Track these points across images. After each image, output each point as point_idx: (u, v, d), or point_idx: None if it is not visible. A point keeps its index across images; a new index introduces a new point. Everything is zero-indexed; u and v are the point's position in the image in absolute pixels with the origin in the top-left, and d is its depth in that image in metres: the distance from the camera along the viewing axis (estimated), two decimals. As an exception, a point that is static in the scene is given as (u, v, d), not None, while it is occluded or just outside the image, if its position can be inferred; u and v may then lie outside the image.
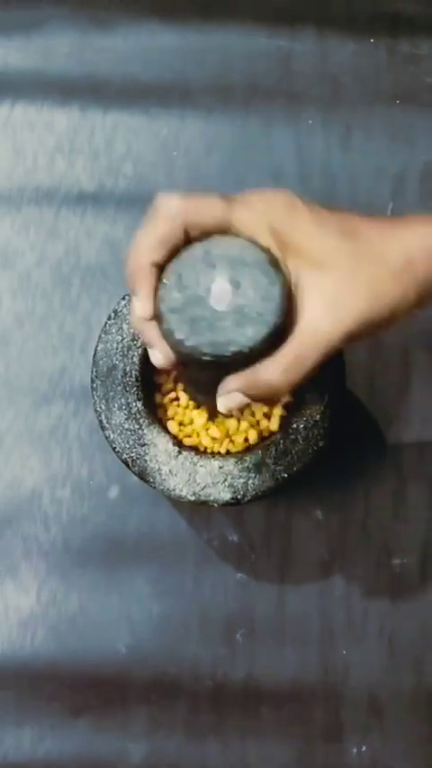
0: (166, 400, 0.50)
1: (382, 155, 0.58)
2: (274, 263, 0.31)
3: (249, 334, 0.30)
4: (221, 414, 0.44)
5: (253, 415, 0.49)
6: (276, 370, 0.32)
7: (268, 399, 0.34)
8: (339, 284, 0.31)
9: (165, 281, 0.32)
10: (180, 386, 0.50)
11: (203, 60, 0.60)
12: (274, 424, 0.49)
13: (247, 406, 0.42)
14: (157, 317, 0.33)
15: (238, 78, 0.59)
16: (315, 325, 0.31)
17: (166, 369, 0.36)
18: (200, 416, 0.49)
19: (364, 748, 0.51)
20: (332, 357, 0.33)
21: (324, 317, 0.31)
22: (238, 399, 0.34)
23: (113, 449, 0.47)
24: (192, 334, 0.31)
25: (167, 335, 0.32)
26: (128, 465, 0.47)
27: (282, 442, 0.47)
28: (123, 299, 0.49)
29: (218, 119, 0.59)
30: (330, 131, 0.58)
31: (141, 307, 0.33)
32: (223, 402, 0.34)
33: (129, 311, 0.48)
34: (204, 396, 0.43)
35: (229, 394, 0.34)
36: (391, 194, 0.57)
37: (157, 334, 0.33)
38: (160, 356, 0.34)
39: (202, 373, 0.35)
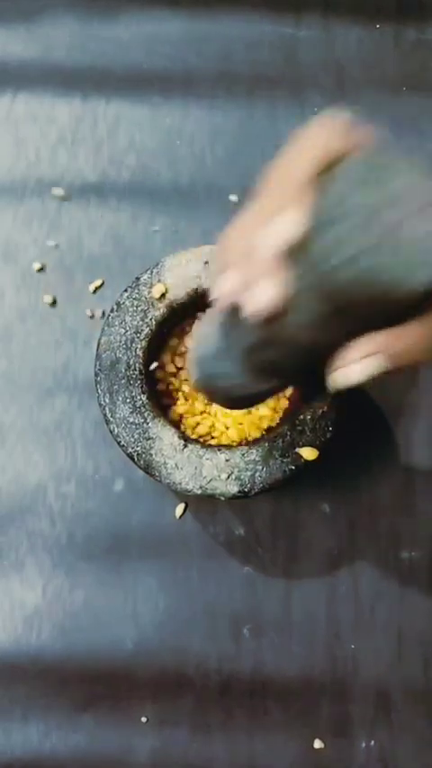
0: (170, 391, 0.50)
1: (388, 142, 0.57)
2: None
3: (423, 277, 0.25)
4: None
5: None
6: None
7: (404, 366, 0.29)
8: None
9: (313, 202, 0.27)
10: (179, 380, 0.49)
11: (207, 49, 0.59)
12: (276, 418, 0.49)
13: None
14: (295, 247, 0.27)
15: (242, 67, 0.59)
16: None
17: (264, 314, 0.29)
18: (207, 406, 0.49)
19: (372, 743, 0.51)
20: None
21: None
22: (378, 367, 0.28)
23: (118, 443, 0.47)
24: (342, 263, 0.25)
25: (324, 256, 0.26)
26: (133, 459, 0.46)
27: (289, 434, 0.46)
28: (126, 290, 0.48)
29: (222, 108, 0.58)
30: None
31: (296, 224, 0.27)
32: (358, 370, 0.29)
33: (130, 303, 0.48)
34: (260, 381, 0.36)
35: (367, 361, 0.28)
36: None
37: (283, 266, 0.28)
38: (271, 295, 0.28)
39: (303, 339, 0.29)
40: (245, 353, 0.33)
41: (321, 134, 0.29)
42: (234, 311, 0.31)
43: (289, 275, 0.28)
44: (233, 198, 0.57)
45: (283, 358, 0.32)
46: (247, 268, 0.29)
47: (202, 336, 0.37)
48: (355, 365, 0.29)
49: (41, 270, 0.56)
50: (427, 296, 0.26)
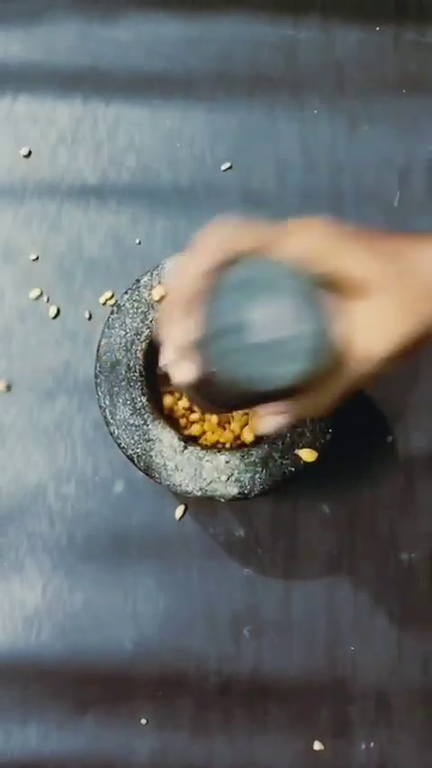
0: (170, 396, 0.50)
1: (388, 144, 0.57)
2: (316, 295, 0.30)
3: (287, 372, 0.29)
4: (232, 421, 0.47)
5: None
6: (328, 398, 0.33)
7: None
8: (388, 306, 0.31)
9: (203, 309, 0.30)
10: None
11: (207, 50, 0.59)
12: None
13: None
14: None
15: (242, 68, 0.59)
16: (368, 349, 0.31)
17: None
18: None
19: (372, 744, 0.51)
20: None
21: (377, 341, 0.31)
22: (281, 422, 0.34)
23: (119, 444, 0.47)
24: (225, 367, 0.30)
25: (202, 364, 0.31)
26: (133, 461, 0.46)
27: (288, 435, 0.46)
28: (126, 293, 0.48)
29: (222, 109, 0.58)
30: (336, 121, 0.58)
31: (187, 334, 0.32)
32: (266, 425, 0.34)
33: (131, 305, 0.48)
34: (219, 409, 0.42)
35: (273, 418, 0.34)
36: (398, 184, 0.57)
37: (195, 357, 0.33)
38: (188, 377, 0.33)
39: (226, 396, 0.35)
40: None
41: (212, 240, 0.32)
42: None
43: (196, 361, 0.32)
44: (224, 165, 0.57)
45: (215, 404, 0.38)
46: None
47: None
48: (266, 420, 0.34)
49: (41, 271, 0.56)
50: (297, 385, 0.30)
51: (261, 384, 0.30)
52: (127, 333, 0.48)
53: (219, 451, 0.46)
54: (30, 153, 0.58)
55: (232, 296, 0.30)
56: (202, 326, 0.30)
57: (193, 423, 0.49)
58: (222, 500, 0.46)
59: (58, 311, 0.56)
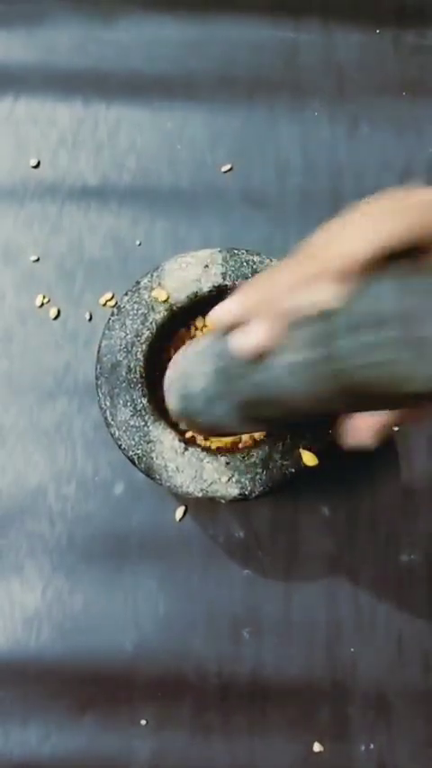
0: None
1: (388, 146, 0.57)
2: None
3: None
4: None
5: None
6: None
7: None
8: None
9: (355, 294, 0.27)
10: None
11: (207, 53, 0.59)
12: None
13: None
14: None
15: (243, 71, 0.59)
16: None
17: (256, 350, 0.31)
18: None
19: (372, 746, 0.51)
20: None
21: None
22: (381, 434, 0.32)
23: (119, 446, 0.47)
24: (366, 362, 0.26)
25: (349, 355, 0.26)
26: (134, 462, 0.46)
27: (289, 436, 0.46)
28: (126, 294, 0.48)
29: (222, 112, 0.58)
30: (336, 123, 0.58)
31: (331, 297, 0.28)
32: (363, 438, 0.32)
33: (131, 307, 0.48)
34: (248, 427, 0.37)
35: (372, 430, 0.32)
36: (398, 187, 0.57)
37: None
38: (261, 337, 0.30)
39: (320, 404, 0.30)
40: (241, 405, 0.34)
41: (384, 213, 0.28)
42: (241, 360, 0.32)
43: (291, 334, 0.29)
44: (224, 166, 0.57)
45: (279, 416, 0.34)
46: (256, 310, 0.30)
47: (189, 372, 0.38)
48: (363, 432, 0.32)
49: (42, 272, 0.57)
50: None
51: (404, 384, 0.26)
52: (127, 334, 0.48)
53: (219, 453, 0.46)
54: (30, 154, 0.58)
55: (377, 287, 0.26)
56: (344, 311, 0.26)
57: None
58: (223, 501, 0.46)
59: (59, 312, 0.56)
